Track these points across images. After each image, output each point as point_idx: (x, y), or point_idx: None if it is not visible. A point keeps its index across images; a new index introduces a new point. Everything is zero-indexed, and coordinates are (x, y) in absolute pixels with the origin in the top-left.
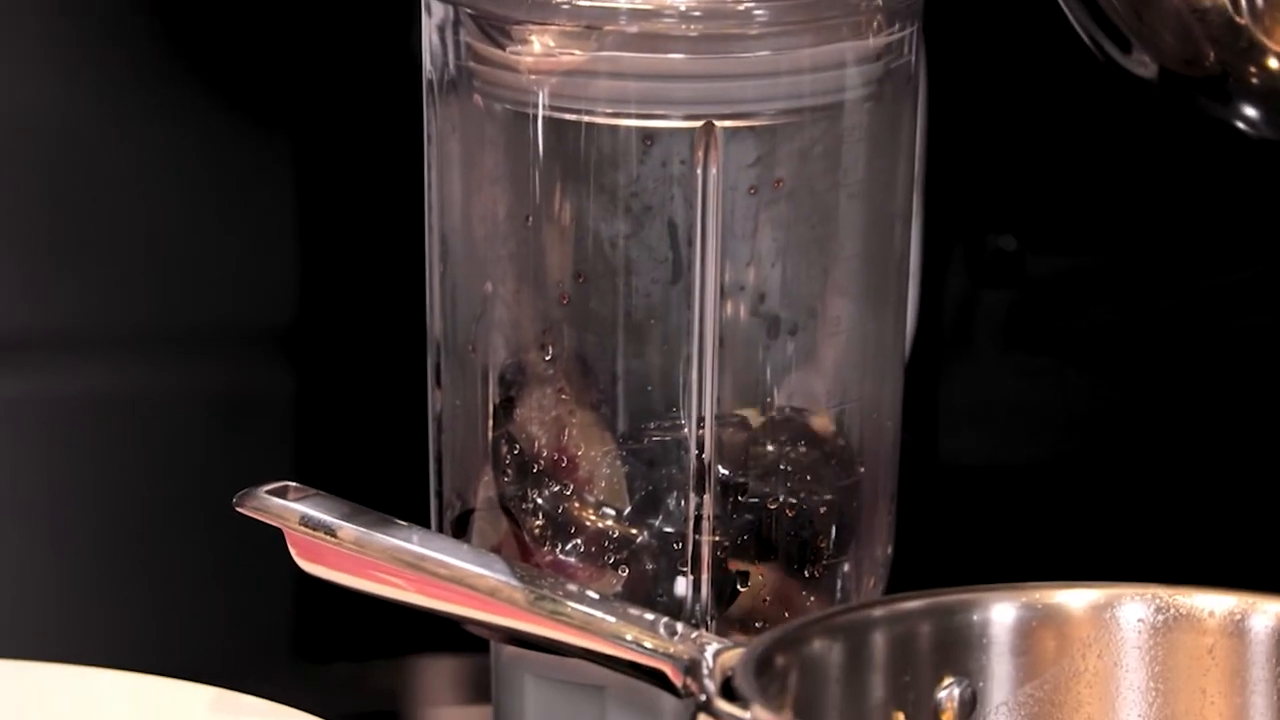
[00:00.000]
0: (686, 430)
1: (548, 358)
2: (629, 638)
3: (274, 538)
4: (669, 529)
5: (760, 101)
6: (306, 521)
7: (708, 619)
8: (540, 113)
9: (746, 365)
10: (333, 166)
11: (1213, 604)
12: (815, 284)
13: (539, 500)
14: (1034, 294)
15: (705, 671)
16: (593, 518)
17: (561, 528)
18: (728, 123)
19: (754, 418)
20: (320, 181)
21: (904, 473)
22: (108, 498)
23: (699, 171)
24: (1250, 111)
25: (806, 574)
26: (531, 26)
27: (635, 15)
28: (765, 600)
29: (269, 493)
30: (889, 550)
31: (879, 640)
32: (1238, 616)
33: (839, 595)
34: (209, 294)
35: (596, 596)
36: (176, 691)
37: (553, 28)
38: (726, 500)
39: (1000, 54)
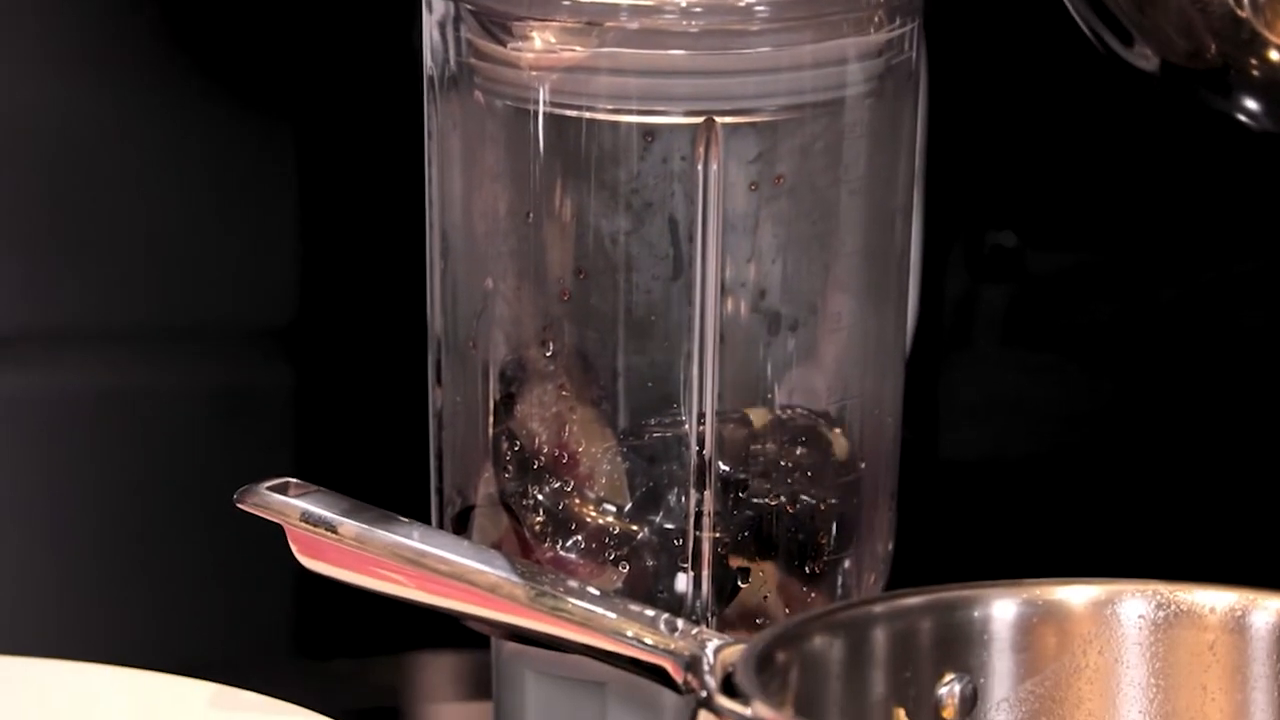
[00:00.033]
0: (687, 426)
1: (548, 354)
2: (630, 634)
3: (275, 534)
4: (670, 525)
5: (761, 97)
6: (307, 518)
7: (708, 615)
8: (541, 109)
9: (747, 362)
10: (333, 163)
11: (1213, 600)
12: (816, 280)
13: (540, 497)
14: (1034, 290)
15: (706, 668)
16: (593, 514)
17: (562, 524)
18: (728, 119)
19: (760, 417)
20: (321, 178)
21: (904, 469)
22: (108, 494)
23: (700, 168)
24: (1252, 104)
25: (807, 570)
26: (532, 23)
27: (636, 11)
28: (766, 597)
29: (270, 489)
30: (890, 546)
31: (880, 636)
32: (1238, 613)
33: (840, 591)
34: (210, 290)
35: (597, 593)
36: (177, 687)
37: (553, 24)
38: (727, 497)
39: (1001, 49)
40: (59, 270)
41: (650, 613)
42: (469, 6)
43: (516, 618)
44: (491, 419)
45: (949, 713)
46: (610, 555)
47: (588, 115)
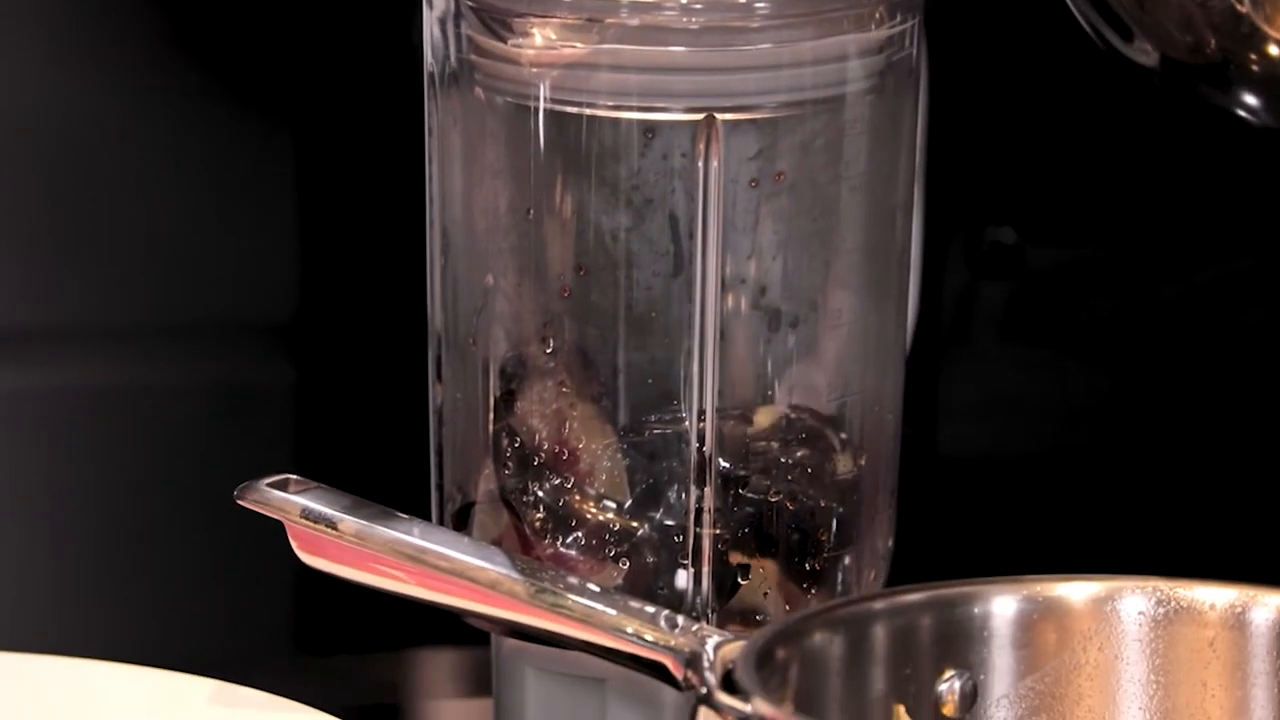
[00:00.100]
0: (687, 423)
1: (549, 350)
2: (630, 630)
3: (275, 531)
4: (670, 522)
5: (761, 94)
6: (307, 514)
7: (708, 612)
8: (541, 105)
9: (748, 358)
10: (334, 160)
11: (1213, 597)
12: (816, 277)
13: (540, 493)
14: (1033, 286)
15: (706, 664)
16: (593, 510)
17: (562, 520)
18: (729, 115)
19: (769, 416)
20: (321, 175)
21: (904, 465)
22: (109, 491)
23: (700, 164)
24: (1251, 99)
25: (807, 567)
26: (533, 19)
27: (636, 8)
28: (766, 593)
29: (270, 485)
30: (889, 543)
31: (880, 633)
32: (1238, 609)
33: (840, 588)
34: (210, 287)
35: (597, 589)
36: (177, 684)
37: (554, 20)
38: (727, 493)
39: (1001, 46)
40: (59, 268)
41: (650, 609)
42: (470, 3)
43: (517, 614)
44: (492, 415)
45: (949, 709)
46: (610, 552)
47: (588, 112)
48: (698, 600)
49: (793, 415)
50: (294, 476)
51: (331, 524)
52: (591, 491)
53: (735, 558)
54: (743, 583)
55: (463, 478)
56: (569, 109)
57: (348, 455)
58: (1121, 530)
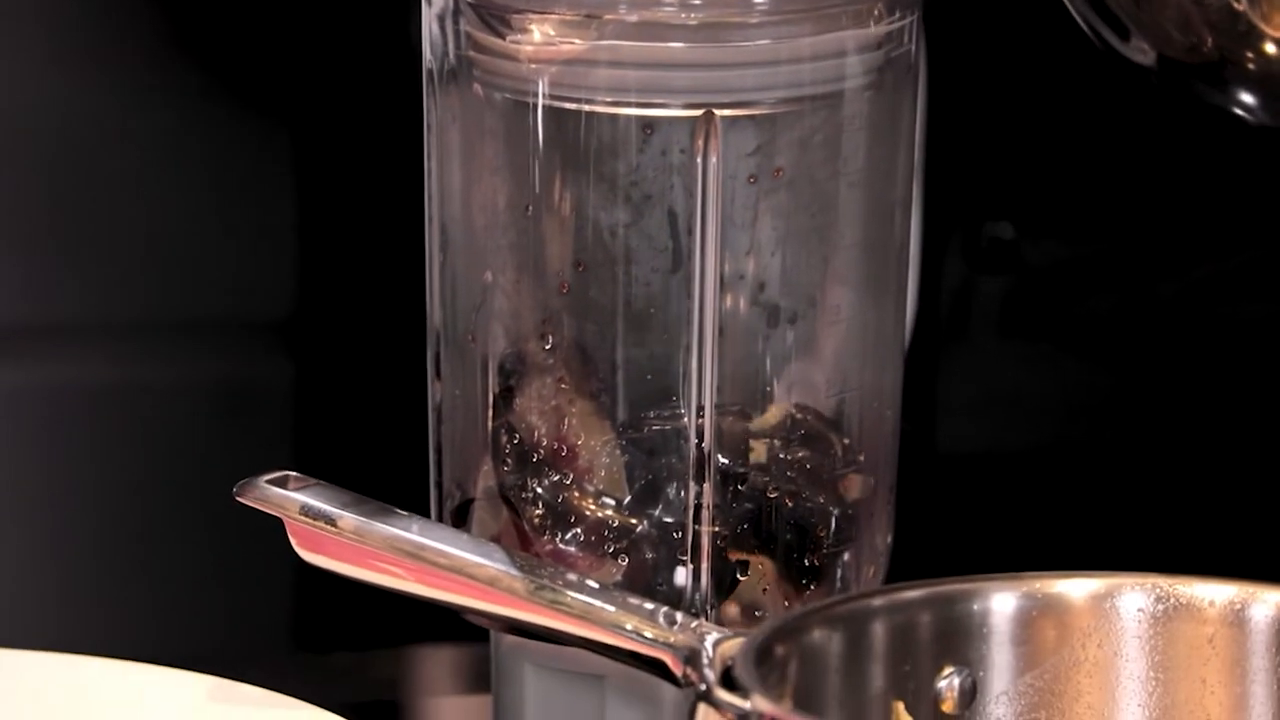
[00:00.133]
0: (686, 419)
1: (547, 347)
2: (629, 627)
3: (274, 527)
4: (668, 518)
5: (760, 90)
6: (306, 511)
7: (707, 608)
8: (540, 102)
9: (746, 355)
10: (332, 157)
11: (1213, 593)
12: (815, 273)
13: (539, 490)
14: (1032, 282)
15: (705, 661)
16: (592, 507)
17: (561, 517)
18: (727, 111)
19: (775, 414)
20: (320, 172)
21: (903, 462)
22: (108, 489)
23: (699, 160)
24: (1247, 98)
25: (806, 563)
26: (531, 15)
27: (635, 4)
28: (765, 590)
29: (269, 482)
30: (889, 539)
31: (879, 630)
32: (1238, 606)
33: (839, 585)
34: (209, 285)
35: (596, 586)
36: (176, 680)
37: (552, 16)
38: (726, 489)
39: (1000, 42)
40: (59, 267)
41: (649, 606)
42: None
43: (515, 611)
44: (491, 412)
45: (948, 706)
46: (609, 548)
47: (587, 108)
48: (697, 597)
49: (797, 414)
50: (293, 473)
51: (330, 521)
52: (590, 488)
53: (734, 554)
54: (742, 579)
55: (462, 474)
56: (567, 105)
57: (347, 452)
58: (1121, 526)
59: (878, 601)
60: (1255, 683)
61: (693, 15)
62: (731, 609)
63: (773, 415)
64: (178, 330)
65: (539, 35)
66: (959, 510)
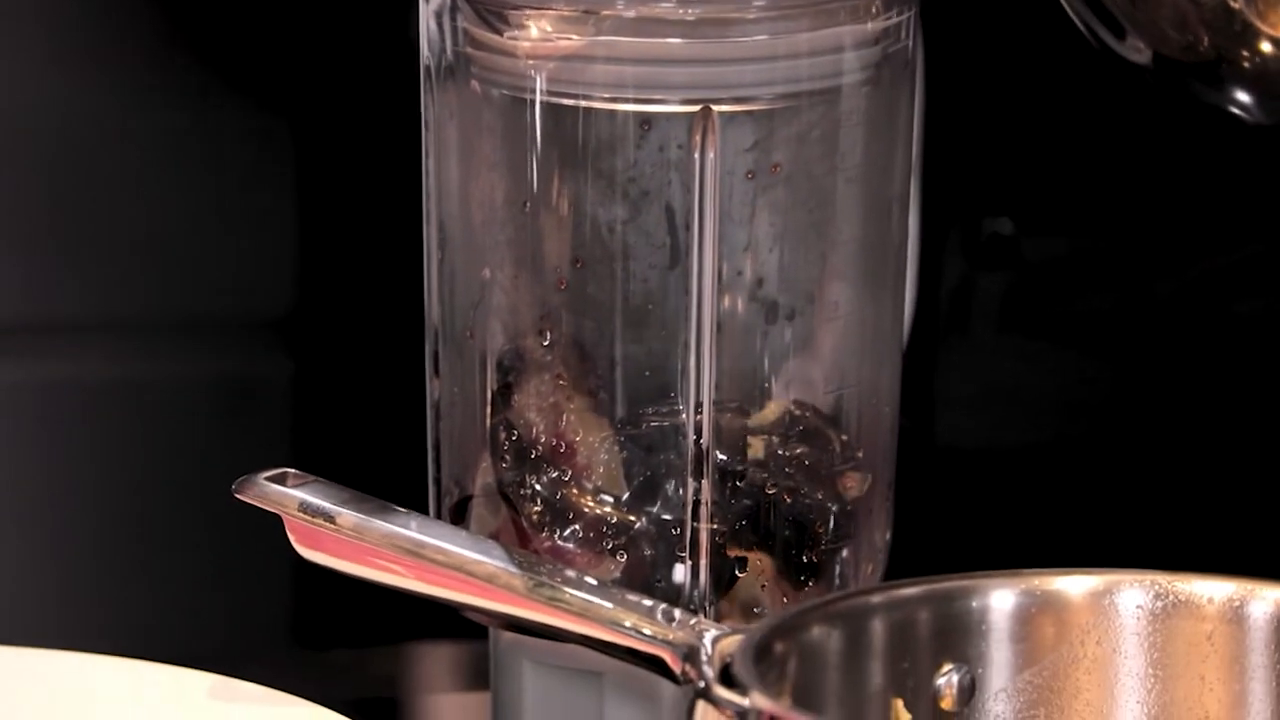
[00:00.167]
0: (684, 416)
1: (546, 344)
2: (627, 624)
3: (273, 524)
4: (667, 515)
5: (758, 86)
6: (305, 508)
7: (706, 605)
8: (538, 98)
9: (744, 351)
10: (331, 154)
11: (1212, 590)
12: (813, 269)
13: (537, 486)
14: (1031, 278)
15: (704, 658)
16: (591, 504)
17: (560, 514)
18: (725, 107)
19: (773, 411)
20: (318, 169)
21: (901, 458)
22: (108, 486)
23: (696, 156)
24: (1244, 96)
25: (805, 560)
26: (528, 12)
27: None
28: (763, 586)
29: (268, 479)
30: (887, 536)
31: (878, 627)
32: (1236, 603)
33: (837, 582)
34: (208, 282)
35: (595, 583)
36: (175, 677)
37: (550, 12)
38: (725, 486)
39: (997, 38)
40: (59, 265)
41: (648, 603)
42: None
43: (514, 608)
44: (489, 409)
45: (947, 703)
46: (608, 545)
47: (584, 104)
48: (695, 594)
49: (796, 411)
50: (292, 470)
51: (329, 518)
52: (589, 485)
53: (733, 551)
54: (740, 576)
55: (460, 471)
56: (565, 101)
57: (346, 449)
58: (1120, 523)
59: (876, 598)
60: (1254, 680)
61: (690, 11)
62: (730, 606)
63: (771, 412)
64: (177, 329)
65: (536, 31)
66: (957, 507)
